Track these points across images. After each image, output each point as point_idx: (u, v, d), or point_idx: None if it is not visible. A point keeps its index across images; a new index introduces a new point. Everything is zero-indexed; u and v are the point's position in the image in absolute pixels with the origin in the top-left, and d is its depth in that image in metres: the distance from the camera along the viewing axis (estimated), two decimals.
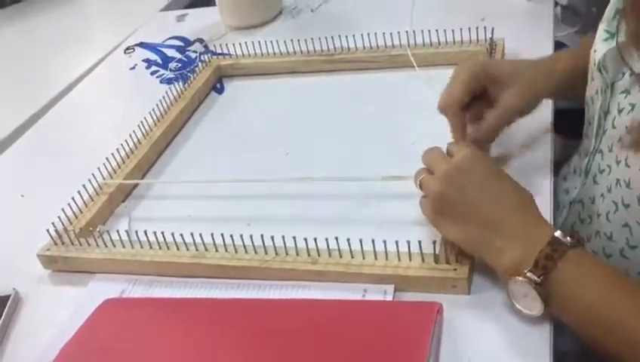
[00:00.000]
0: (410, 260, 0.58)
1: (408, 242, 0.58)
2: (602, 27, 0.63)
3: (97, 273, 0.68)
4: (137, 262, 0.66)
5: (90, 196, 0.76)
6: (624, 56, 0.57)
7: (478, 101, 0.67)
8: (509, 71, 0.67)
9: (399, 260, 0.59)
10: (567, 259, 0.49)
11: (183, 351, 0.54)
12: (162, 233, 0.66)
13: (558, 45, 1.02)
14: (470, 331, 0.53)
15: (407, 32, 0.93)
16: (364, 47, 0.95)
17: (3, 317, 0.63)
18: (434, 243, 0.57)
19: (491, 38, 0.86)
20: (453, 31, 0.90)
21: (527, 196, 0.56)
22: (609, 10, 0.62)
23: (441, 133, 0.66)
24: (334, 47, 0.97)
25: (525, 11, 1.02)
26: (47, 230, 0.70)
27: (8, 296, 0.66)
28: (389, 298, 0.57)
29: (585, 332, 0.50)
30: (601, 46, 0.61)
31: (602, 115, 0.61)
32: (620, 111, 0.58)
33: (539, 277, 0.49)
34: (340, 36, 0.96)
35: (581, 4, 1.24)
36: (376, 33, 0.94)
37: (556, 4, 1.16)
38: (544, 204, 0.60)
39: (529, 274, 0.49)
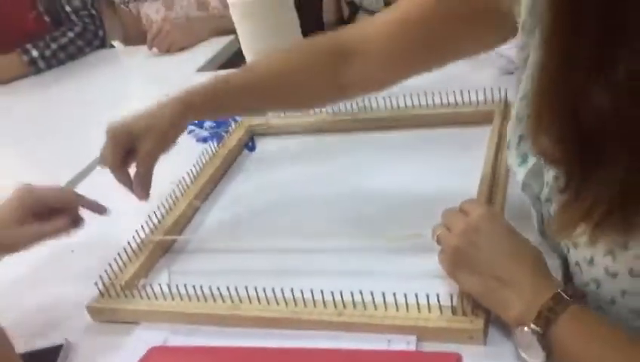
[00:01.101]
0: (430, 312, 0.63)
1: (427, 295, 0.62)
2: (509, 154, 0.63)
3: (141, 323, 0.73)
4: (177, 314, 0.72)
5: (133, 252, 0.82)
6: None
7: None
8: (141, 125, 0.81)
9: (419, 312, 0.63)
10: (568, 313, 0.53)
11: None
12: (201, 286, 0.72)
13: None
14: None
15: (425, 92, 0.99)
16: (385, 107, 1.01)
17: None
18: (451, 296, 0.62)
19: (506, 99, 0.92)
20: (469, 92, 0.95)
21: (537, 253, 0.61)
22: (512, 136, 0.61)
23: (461, 192, 0.72)
24: (358, 107, 1.03)
25: None
26: (95, 283, 0.76)
27: (61, 346, 0.71)
28: (412, 348, 0.61)
29: None
30: (519, 170, 0.62)
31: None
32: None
33: (541, 328, 0.53)
34: (364, 97, 1.02)
35: None
36: (397, 96, 1.00)
37: None
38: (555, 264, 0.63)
39: (532, 326, 0.54)
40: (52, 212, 0.80)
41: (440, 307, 0.62)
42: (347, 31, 0.81)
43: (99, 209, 0.84)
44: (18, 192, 0.80)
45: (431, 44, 0.74)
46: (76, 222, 0.82)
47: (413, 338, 0.62)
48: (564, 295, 0.54)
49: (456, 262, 0.62)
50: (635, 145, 0.39)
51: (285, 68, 0.82)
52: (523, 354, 0.56)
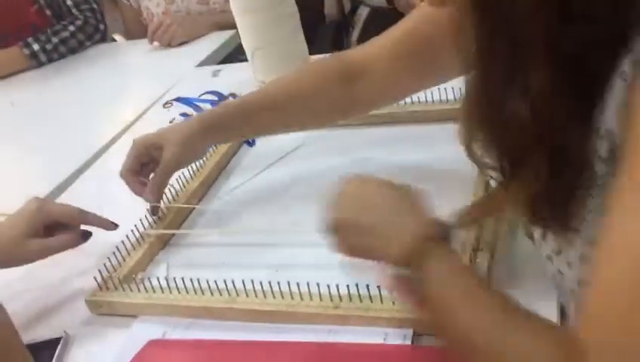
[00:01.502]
0: None
1: None
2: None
3: (140, 316, 0.74)
4: (175, 307, 0.72)
5: (132, 245, 0.83)
6: None
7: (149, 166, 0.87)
8: (163, 137, 0.86)
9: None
10: (433, 255, 0.53)
11: None
12: (198, 280, 0.72)
13: None
14: None
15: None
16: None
17: (55, 358, 0.70)
18: None
19: None
20: None
21: (406, 197, 0.60)
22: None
23: (460, 186, 0.72)
24: None
25: None
26: (95, 277, 0.76)
27: (59, 338, 0.72)
28: (408, 342, 0.62)
29: (441, 330, 0.54)
30: None
31: None
32: None
33: (409, 272, 0.54)
34: None
35: None
36: None
37: None
38: None
39: (401, 269, 0.55)
40: (60, 226, 0.82)
41: None
42: (354, 51, 0.84)
43: (108, 226, 0.85)
44: (29, 206, 0.81)
45: (435, 61, 0.75)
46: (84, 236, 0.83)
47: (409, 332, 0.62)
48: (430, 232, 0.55)
49: (342, 237, 0.61)
50: (552, 148, 0.44)
51: (297, 90, 0.85)
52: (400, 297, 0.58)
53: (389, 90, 0.83)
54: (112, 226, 0.84)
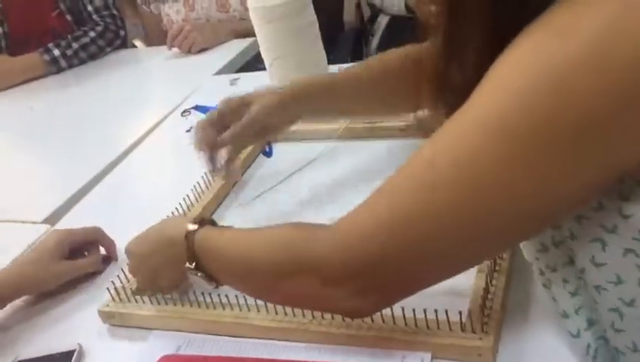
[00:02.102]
0: (439, 328, 0.62)
1: (436, 311, 0.61)
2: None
3: (154, 329, 0.74)
4: (186, 320, 0.72)
5: None
6: None
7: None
8: (255, 94, 0.85)
9: (428, 328, 0.62)
10: (197, 241, 0.66)
11: None
12: (210, 294, 0.72)
13: None
14: None
15: None
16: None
17: None
18: (460, 313, 0.61)
19: None
20: None
21: (165, 223, 0.74)
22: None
23: None
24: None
25: None
26: (108, 288, 0.76)
27: (73, 351, 0.72)
28: None
29: (235, 284, 0.67)
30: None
31: None
32: None
33: (192, 264, 0.66)
34: None
35: None
36: None
37: None
38: None
39: (188, 266, 0.67)
40: (84, 247, 0.86)
41: (449, 323, 0.61)
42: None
43: (112, 255, 0.88)
44: (55, 236, 0.84)
45: None
46: (106, 261, 0.87)
47: (427, 355, 0.61)
48: (191, 227, 0.67)
49: (150, 283, 0.74)
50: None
51: (388, 71, 0.85)
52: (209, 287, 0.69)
53: None
54: (113, 257, 0.87)
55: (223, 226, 0.72)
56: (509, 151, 0.46)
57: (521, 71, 0.45)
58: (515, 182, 0.47)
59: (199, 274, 0.67)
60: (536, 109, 0.44)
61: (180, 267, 0.68)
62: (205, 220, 0.69)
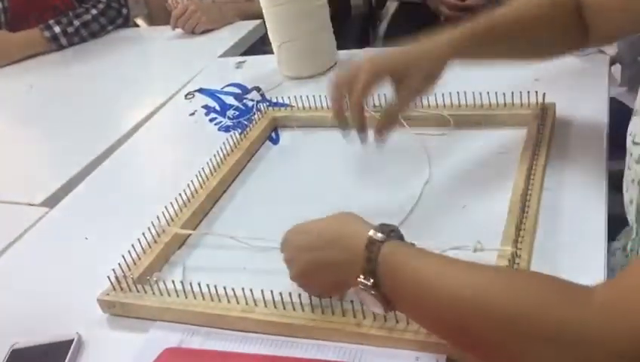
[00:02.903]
0: None
1: None
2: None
3: (157, 321, 0.71)
4: (190, 312, 0.70)
5: (148, 243, 0.80)
6: None
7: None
8: (414, 60, 0.76)
9: None
10: (383, 254, 0.55)
11: None
12: (215, 286, 0.69)
13: (614, 103, 1.01)
14: None
15: (457, 93, 0.95)
16: (415, 105, 0.96)
17: (67, 359, 0.67)
18: None
19: (542, 104, 0.88)
20: (504, 94, 0.91)
21: (342, 222, 0.63)
22: None
23: (490, 195, 0.68)
24: (381, 103, 0.99)
25: (579, 71, 1.02)
26: (108, 276, 0.74)
27: (71, 341, 0.69)
28: None
29: (423, 313, 0.56)
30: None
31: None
32: None
33: (368, 280, 0.56)
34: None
35: (626, 54, 1.24)
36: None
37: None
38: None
39: (360, 280, 0.56)
40: None
41: None
42: None
43: None
44: None
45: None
46: None
47: (442, 357, 0.59)
48: (374, 236, 0.56)
49: (296, 271, 0.65)
50: None
51: (543, 10, 0.80)
52: (373, 309, 0.59)
53: (609, 29, 0.79)
54: None
55: (415, 246, 0.59)
56: None
57: None
58: None
59: (373, 292, 0.56)
60: None
61: (348, 279, 0.59)
62: (394, 231, 0.58)
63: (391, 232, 0.57)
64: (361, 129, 0.78)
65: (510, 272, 0.51)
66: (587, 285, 0.46)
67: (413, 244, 0.59)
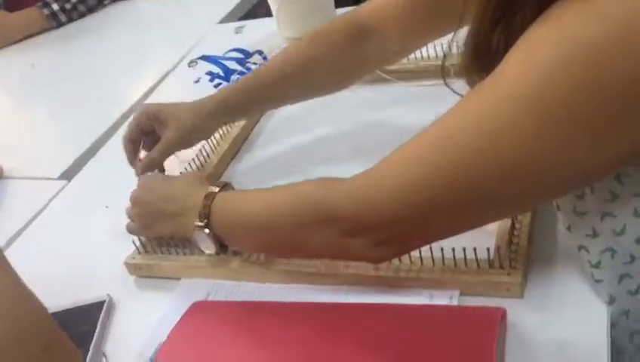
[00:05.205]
0: (467, 266, 0.63)
1: (464, 248, 0.62)
2: None
3: (182, 279, 0.75)
4: (215, 269, 0.73)
5: None
6: None
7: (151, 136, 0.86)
8: (169, 112, 0.84)
9: (456, 266, 0.63)
10: (216, 201, 0.68)
11: (261, 348, 0.60)
12: None
13: None
14: (527, 334, 0.58)
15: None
16: (415, 58, 0.98)
17: (100, 320, 0.71)
18: (487, 249, 0.62)
19: None
20: None
21: (190, 179, 0.77)
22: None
23: None
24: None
25: None
26: (133, 241, 0.77)
27: (103, 302, 0.73)
28: (455, 303, 0.62)
29: (249, 240, 0.69)
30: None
31: None
32: None
33: (203, 222, 0.67)
34: None
35: None
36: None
37: None
38: None
39: (197, 223, 0.68)
40: None
41: (477, 260, 0.62)
42: (361, 10, 0.82)
43: None
44: None
45: (438, 17, 0.75)
46: None
47: (456, 293, 0.62)
48: (213, 190, 0.69)
49: (143, 223, 0.76)
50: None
51: (310, 60, 0.83)
52: (205, 251, 0.71)
53: (397, 47, 0.83)
54: None
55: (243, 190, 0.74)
56: (539, 126, 0.46)
57: (552, 45, 0.45)
58: (543, 157, 0.47)
59: (207, 231, 0.68)
60: (567, 85, 0.44)
61: (185, 227, 0.70)
62: (227, 184, 0.71)
63: (225, 185, 0.70)
64: (131, 163, 0.87)
65: (292, 185, 0.65)
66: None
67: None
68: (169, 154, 0.86)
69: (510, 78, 0.48)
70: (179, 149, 0.87)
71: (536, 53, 0.46)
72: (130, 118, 0.87)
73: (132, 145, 0.86)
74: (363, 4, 0.83)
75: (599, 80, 0.43)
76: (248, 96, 0.85)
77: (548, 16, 0.46)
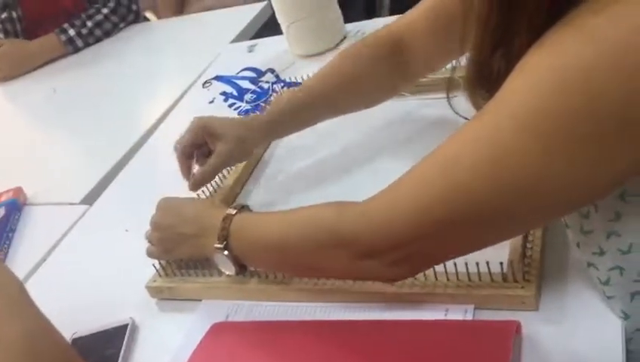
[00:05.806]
0: (480, 280, 0.63)
1: (477, 263, 0.63)
2: None
3: (202, 300, 0.76)
4: (232, 289, 0.75)
5: None
6: None
7: (202, 149, 0.88)
8: (221, 125, 0.86)
9: (470, 280, 0.64)
10: (234, 222, 0.69)
11: None
12: None
13: None
14: (543, 346, 0.58)
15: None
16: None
17: (125, 343, 0.73)
18: (501, 263, 0.62)
19: None
20: None
21: (207, 202, 0.83)
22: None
23: None
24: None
25: None
26: (153, 264, 0.79)
27: (126, 325, 0.75)
28: (470, 317, 0.62)
29: (267, 261, 0.71)
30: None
31: None
32: None
33: (222, 244, 0.69)
34: None
35: None
36: None
37: None
38: None
39: (216, 245, 0.69)
40: None
41: (491, 274, 0.63)
42: (400, 23, 0.84)
43: None
44: None
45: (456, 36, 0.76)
46: None
47: (471, 307, 0.63)
48: (230, 212, 0.70)
49: (160, 245, 0.78)
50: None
51: (354, 76, 0.86)
52: (225, 272, 0.72)
53: (428, 63, 0.85)
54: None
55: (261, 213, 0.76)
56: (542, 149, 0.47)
57: (548, 70, 0.46)
58: (548, 178, 0.48)
59: (226, 253, 0.69)
60: (565, 109, 0.45)
61: (204, 249, 0.72)
62: (245, 206, 0.73)
63: (242, 208, 0.72)
64: (185, 177, 0.88)
65: (305, 209, 0.66)
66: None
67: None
68: (222, 168, 0.88)
69: (510, 103, 0.48)
70: (231, 164, 0.90)
71: (533, 78, 0.47)
72: (183, 132, 0.87)
73: (185, 159, 0.87)
74: (401, 16, 0.85)
75: (595, 102, 0.44)
76: (296, 112, 0.87)
77: (543, 43, 0.47)
